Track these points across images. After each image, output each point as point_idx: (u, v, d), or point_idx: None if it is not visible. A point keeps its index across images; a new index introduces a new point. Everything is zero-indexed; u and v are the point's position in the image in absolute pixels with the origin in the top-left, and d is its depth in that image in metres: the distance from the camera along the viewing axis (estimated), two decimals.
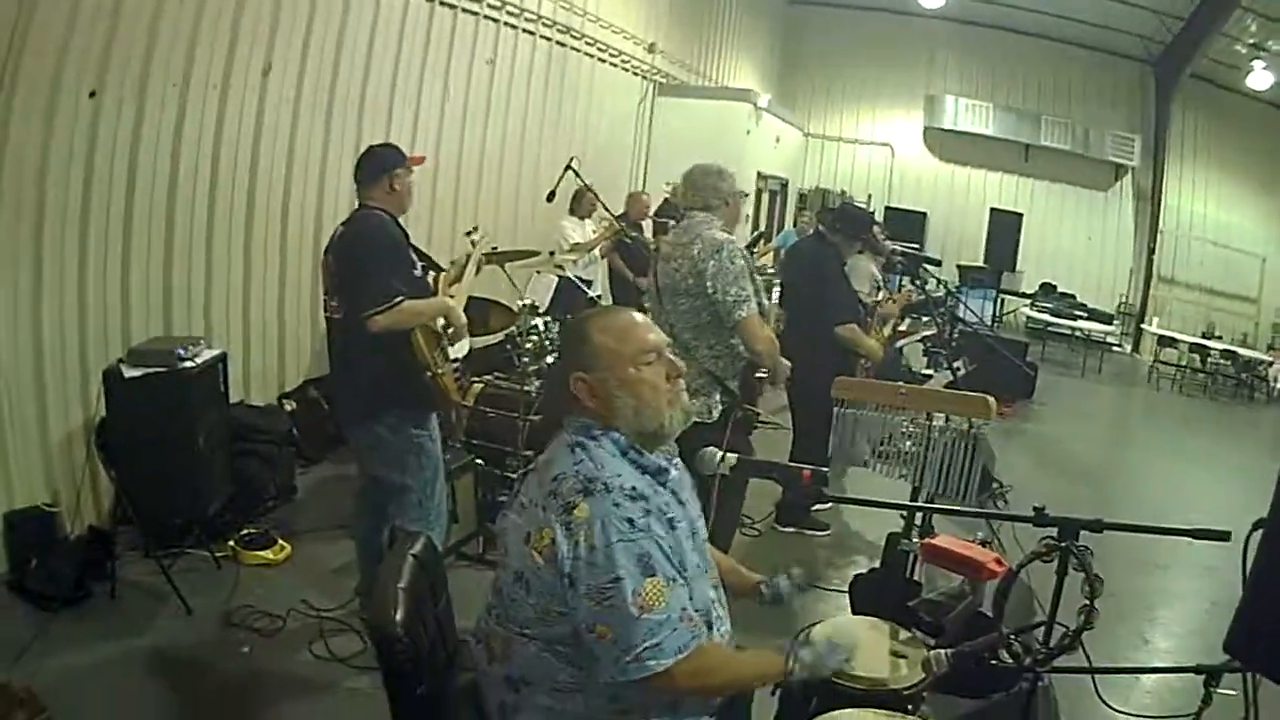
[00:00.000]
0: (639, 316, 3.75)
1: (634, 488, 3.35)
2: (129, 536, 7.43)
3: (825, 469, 3.89)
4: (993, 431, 11.85)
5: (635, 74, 18.36)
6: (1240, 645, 2.50)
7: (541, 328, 9.10)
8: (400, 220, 6.29)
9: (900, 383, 6.75)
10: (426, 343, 6.09)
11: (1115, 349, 23.85)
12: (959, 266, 23.32)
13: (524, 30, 14.25)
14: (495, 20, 13.43)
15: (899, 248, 10.74)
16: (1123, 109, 25.27)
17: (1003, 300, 23.02)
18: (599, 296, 13.25)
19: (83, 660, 6.14)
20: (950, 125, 25.48)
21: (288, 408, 9.99)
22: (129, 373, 6.95)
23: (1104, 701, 5.10)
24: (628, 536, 3.24)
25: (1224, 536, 3.38)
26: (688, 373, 6.33)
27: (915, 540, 5.89)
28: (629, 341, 3.57)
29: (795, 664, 3.48)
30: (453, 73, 12.56)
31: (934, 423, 6.14)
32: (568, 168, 11.54)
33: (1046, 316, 21.49)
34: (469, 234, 7.48)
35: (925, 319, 12.59)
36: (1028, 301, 22.51)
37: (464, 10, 12.57)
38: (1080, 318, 21.36)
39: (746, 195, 7.30)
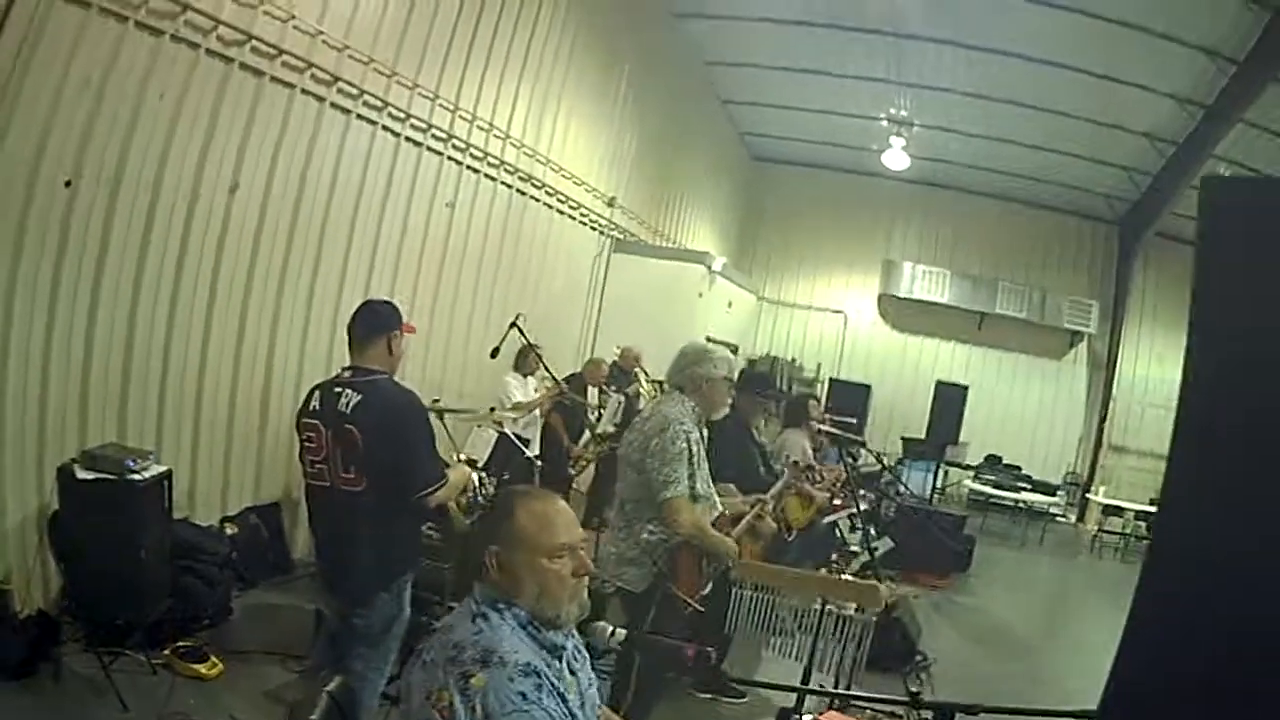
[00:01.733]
0: (562, 508, 3.90)
1: (528, 663, 3.53)
2: (74, 628, 7.58)
3: (710, 649, 4.07)
4: (922, 604, 12.08)
5: (593, 228, 18.56)
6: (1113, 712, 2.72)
7: (477, 482, 9.06)
8: None
9: (796, 570, 6.91)
10: (459, 509, 6.41)
11: (1060, 519, 23.87)
12: (903, 439, 23.47)
13: (486, 175, 14.50)
14: (459, 162, 13.71)
15: (824, 426, 10.95)
16: (1083, 272, 25.74)
17: (945, 473, 22.94)
18: (537, 456, 13.20)
19: None
20: (906, 293, 25.77)
21: (229, 531, 10.07)
22: (81, 474, 7.18)
23: None
24: (520, 708, 3.42)
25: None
26: (626, 542, 6.74)
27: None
28: (548, 532, 3.75)
29: None
30: (413, 211, 12.72)
31: (827, 608, 6.35)
32: (513, 324, 11.71)
33: (989, 489, 21.64)
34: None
35: (861, 494, 12.76)
36: (971, 474, 22.76)
37: (429, 149, 12.78)
38: (1024, 489, 21.50)
39: (729, 381, 7.44)
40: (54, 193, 7.55)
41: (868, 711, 7.16)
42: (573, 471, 14.56)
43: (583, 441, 14.57)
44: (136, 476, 7.43)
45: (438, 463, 6.03)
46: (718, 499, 7.29)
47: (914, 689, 4.35)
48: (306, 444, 6.25)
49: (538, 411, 13.64)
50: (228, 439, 10.32)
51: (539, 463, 12.27)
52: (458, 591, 8.36)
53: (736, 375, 7.81)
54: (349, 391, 6.10)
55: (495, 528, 3.80)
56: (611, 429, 13.71)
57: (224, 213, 9.51)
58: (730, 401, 7.98)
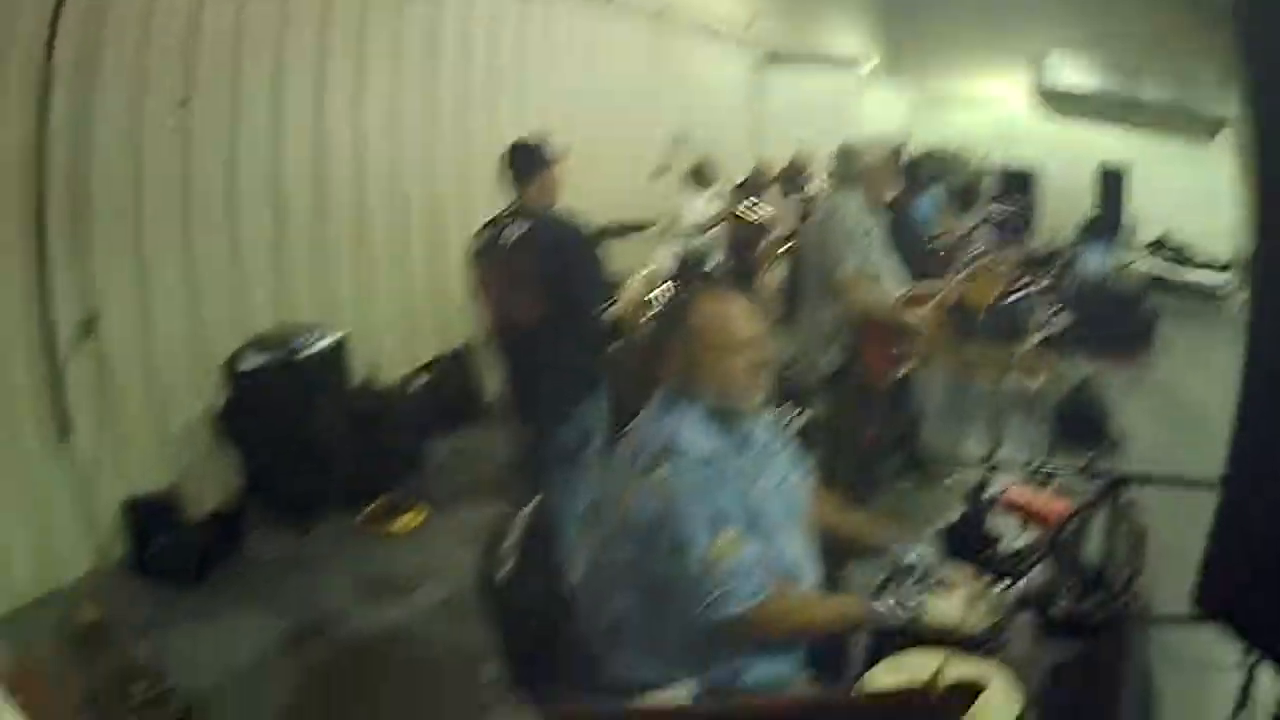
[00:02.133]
0: (741, 303, 3.83)
1: (709, 455, 3.53)
2: (255, 515, 7.63)
3: (888, 431, 4.01)
4: (1112, 381, 11.81)
5: (740, 45, 18.32)
6: (1208, 597, 2.55)
7: (660, 298, 9.13)
8: None
9: (966, 345, 6.78)
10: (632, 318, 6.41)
11: (1229, 298, 23.16)
12: (1076, 224, 22.70)
13: (619, 9, 14.23)
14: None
15: (994, 209, 10.70)
16: (1220, 60, 24.40)
17: (1119, 254, 22.23)
18: (718, 265, 13.32)
19: (206, 634, 6.32)
20: (1058, 82, 25.10)
21: (417, 383, 10.13)
22: (247, 363, 7.15)
23: (1153, 651, 5.21)
24: (699, 497, 3.44)
25: None
26: (816, 328, 6.87)
27: (993, 491, 5.99)
28: (727, 327, 3.70)
29: (874, 609, 3.61)
30: (552, 58, 12.66)
31: (1004, 381, 6.21)
32: (672, 143, 11.61)
33: (1161, 269, 21.08)
34: None
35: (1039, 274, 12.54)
36: (1143, 255, 22.04)
37: None
38: (1194, 268, 20.95)
39: (890, 170, 7.42)
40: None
41: (1055, 481, 7.07)
42: (760, 273, 14.30)
43: (765, 243, 14.26)
44: (307, 351, 7.42)
45: (607, 282, 6.17)
46: (896, 281, 7.29)
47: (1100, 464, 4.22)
48: (481, 282, 6.39)
49: (718, 222, 13.49)
50: (406, 295, 10.37)
51: (724, 269, 12.57)
52: (640, 399, 8.49)
53: (899, 164, 7.66)
54: (513, 226, 6.19)
55: (676, 326, 3.79)
56: (788, 230, 13.55)
57: (356, 78, 9.41)
58: (895, 189, 7.99)
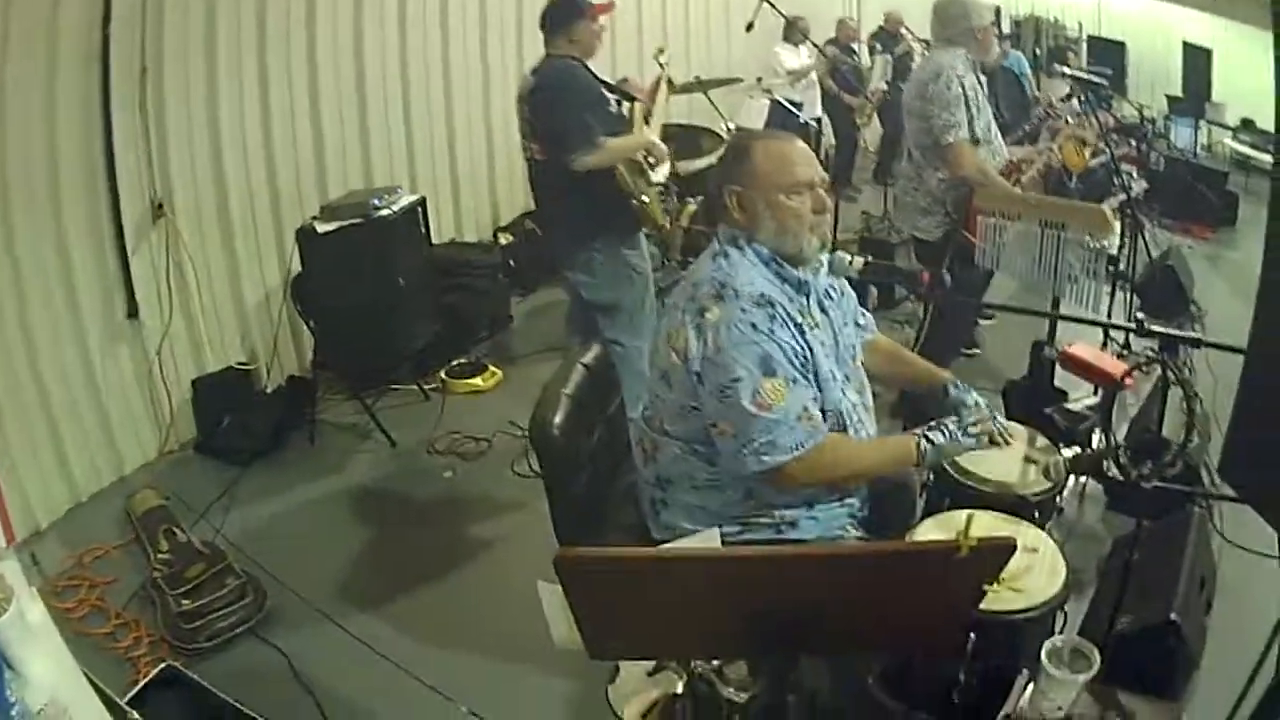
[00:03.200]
0: (800, 147, 3.76)
1: (763, 294, 3.48)
2: (331, 383, 7.65)
3: (945, 272, 3.91)
4: (1194, 254, 11.65)
5: None
6: (1231, 469, 2.45)
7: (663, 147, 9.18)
8: (588, 63, 6.36)
9: (1033, 195, 6.61)
10: (630, 173, 6.27)
11: None
12: (1166, 96, 22.09)
13: None
14: None
15: (1074, 71, 10.45)
16: None
17: (1209, 131, 22.03)
18: (818, 119, 13.33)
19: (276, 508, 6.39)
20: None
21: (502, 241, 10.16)
22: (323, 228, 7.02)
23: (1218, 529, 5.09)
24: (750, 339, 3.39)
25: None
26: (918, 191, 6.88)
27: (1054, 349, 5.87)
28: (784, 170, 3.63)
29: (926, 447, 3.58)
30: None
31: (1066, 234, 6.06)
32: None
33: (1247, 149, 19.99)
34: (657, 56, 7.50)
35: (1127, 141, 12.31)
36: (1230, 134, 21.70)
37: None
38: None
39: (995, 27, 7.22)
40: None
41: (1117, 346, 6.95)
42: (860, 122, 14.24)
43: (858, 101, 14.05)
44: (385, 212, 7.27)
45: (592, 129, 6.00)
46: (1002, 145, 7.19)
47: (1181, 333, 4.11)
48: (520, 128, 6.52)
49: (813, 77, 13.41)
50: (489, 156, 10.36)
51: (817, 124, 12.59)
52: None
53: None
54: (530, 76, 6.35)
55: (735, 167, 3.73)
56: (883, 86, 13.56)
57: None
58: (998, 51, 7.94)
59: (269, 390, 7.58)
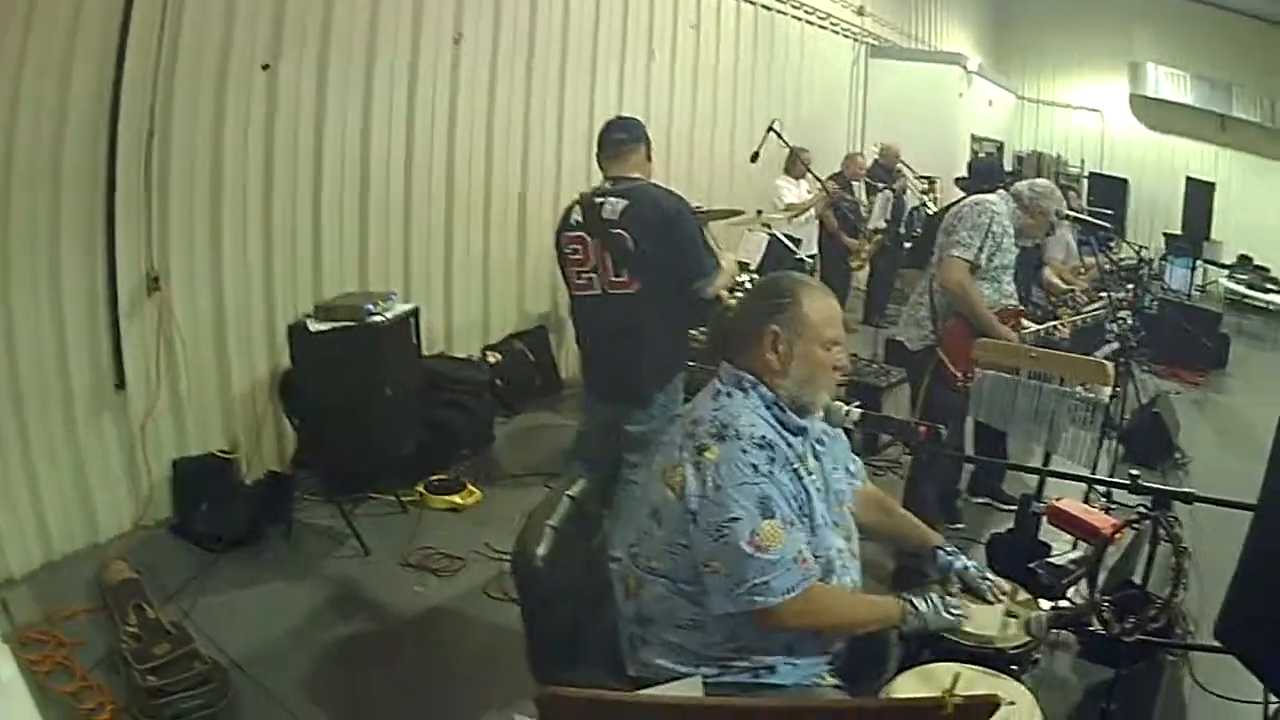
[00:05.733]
0: (837, 303, 3.87)
1: (764, 437, 3.48)
2: (310, 483, 7.65)
3: (941, 425, 3.95)
4: (1182, 400, 11.70)
5: (846, 36, 18.18)
6: (1230, 632, 2.48)
7: (749, 285, 9.18)
8: None
9: (1033, 348, 6.67)
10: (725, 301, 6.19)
11: None
12: (1165, 235, 22.58)
13: None
14: None
15: (1075, 214, 10.56)
16: None
17: (1204, 270, 22.05)
18: (813, 256, 13.39)
19: (246, 598, 6.36)
20: (1152, 92, 24.61)
21: (491, 359, 10.13)
22: (315, 326, 7.05)
23: (1194, 678, 5.13)
24: (751, 480, 3.39)
25: None
26: (920, 302, 7.13)
27: (1044, 502, 5.91)
28: (830, 325, 3.72)
29: (911, 613, 3.61)
30: (656, 37, 12.51)
31: (1063, 387, 6.11)
32: (770, 129, 11.54)
33: (1243, 288, 20.31)
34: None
35: (1123, 284, 12.37)
36: (1225, 273, 21.69)
37: None
38: (1272, 291, 20.00)
39: (1052, 222, 7.42)
40: (252, 69, 7.47)
41: (1105, 501, 6.98)
42: (854, 265, 14.58)
43: (856, 244, 14.35)
44: (378, 318, 7.30)
45: (709, 255, 6.02)
46: (1009, 291, 7.30)
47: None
48: (572, 256, 6.24)
49: (811, 212, 13.49)
50: (484, 272, 10.36)
51: (812, 261, 12.67)
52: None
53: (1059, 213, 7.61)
54: (612, 199, 6.05)
55: (777, 308, 3.72)
56: (883, 224, 13.69)
57: (451, 57, 9.39)
58: (1038, 239, 7.94)
59: (248, 482, 7.57)
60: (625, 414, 6.28)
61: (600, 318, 6.34)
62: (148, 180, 6.81)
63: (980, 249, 6.91)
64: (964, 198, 7.58)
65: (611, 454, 6.31)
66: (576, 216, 6.19)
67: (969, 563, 3.98)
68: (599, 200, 6.10)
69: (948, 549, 4.08)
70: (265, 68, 7.51)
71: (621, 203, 6.01)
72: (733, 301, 6.16)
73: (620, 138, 6.25)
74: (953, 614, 3.66)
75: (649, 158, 6.26)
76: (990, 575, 3.93)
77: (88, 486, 6.76)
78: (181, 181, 7.04)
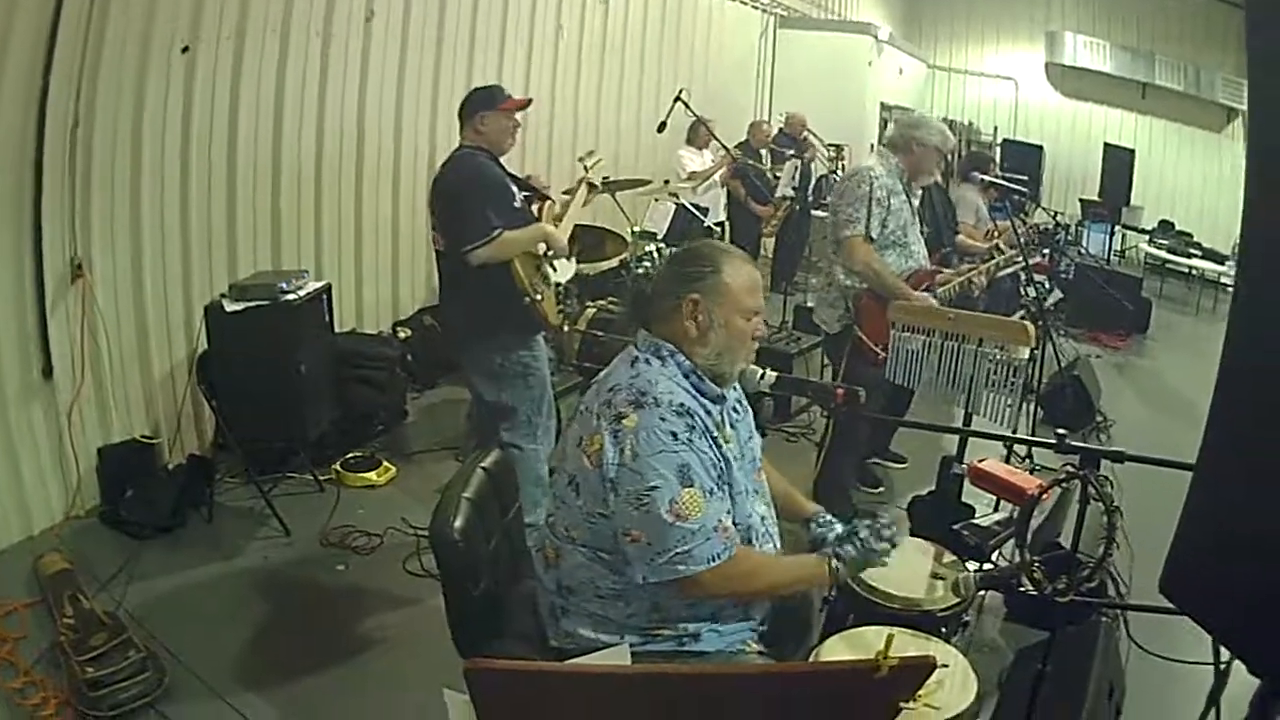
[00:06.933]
0: (758, 274, 3.90)
1: (682, 404, 3.50)
2: (230, 464, 7.64)
3: (859, 388, 3.96)
4: (1103, 364, 11.94)
5: (755, 7, 18.16)
6: (1173, 584, 2.47)
7: (656, 254, 9.37)
8: (500, 159, 6.46)
9: (951, 310, 6.69)
10: (525, 270, 6.29)
11: (1229, 288, 22.60)
12: (1080, 200, 22.54)
13: None
14: None
15: (991, 178, 10.60)
16: (1233, 52, 23.68)
17: (1124, 236, 22.24)
18: (720, 224, 13.46)
19: (174, 583, 6.36)
20: (1070, 61, 24.61)
21: (401, 334, 10.16)
22: (230, 306, 7.04)
23: (1130, 637, 5.15)
24: (670, 448, 3.41)
25: None
26: (825, 285, 7.12)
27: (964, 465, 5.92)
28: (750, 295, 3.75)
29: (836, 563, 3.63)
30: (565, 10, 12.58)
31: (982, 349, 6.13)
32: (677, 99, 11.54)
33: (1163, 254, 20.53)
34: (582, 159, 7.70)
35: (1040, 250, 12.40)
36: (1146, 238, 21.84)
37: None
38: (1195, 256, 20.16)
39: (940, 152, 7.38)
40: (172, 52, 7.43)
41: (1027, 461, 7.02)
42: (765, 231, 14.68)
43: (766, 211, 14.37)
44: (291, 296, 7.29)
45: (488, 220, 6.08)
46: (918, 251, 7.36)
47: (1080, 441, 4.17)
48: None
49: (716, 180, 13.52)
50: (394, 248, 10.40)
51: (719, 228, 12.74)
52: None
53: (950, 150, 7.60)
54: (440, 168, 6.47)
55: (697, 277, 3.74)
56: (790, 192, 13.59)
57: (363, 35, 9.39)
58: (938, 174, 8.10)
59: (171, 466, 7.56)
60: (471, 374, 6.67)
61: (439, 275, 6.88)
62: (72, 168, 6.80)
63: (868, 219, 6.95)
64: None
65: (485, 419, 6.63)
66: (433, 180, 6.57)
67: (840, 530, 3.97)
68: (439, 168, 6.53)
69: (821, 519, 4.11)
70: (185, 50, 7.48)
71: (440, 170, 6.47)
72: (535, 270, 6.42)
73: (469, 104, 6.49)
74: (884, 537, 3.70)
75: (478, 127, 6.38)
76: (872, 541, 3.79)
77: (20, 478, 6.76)
78: (103, 168, 7.02)
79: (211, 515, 7.17)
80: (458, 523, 3.68)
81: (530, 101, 6.74)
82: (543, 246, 6.58)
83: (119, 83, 7.01)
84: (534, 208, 6.75)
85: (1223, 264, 19.00)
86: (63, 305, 6.89)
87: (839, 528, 3.97)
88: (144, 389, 7.61)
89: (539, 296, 6.38)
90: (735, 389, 3.95)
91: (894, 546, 3.72)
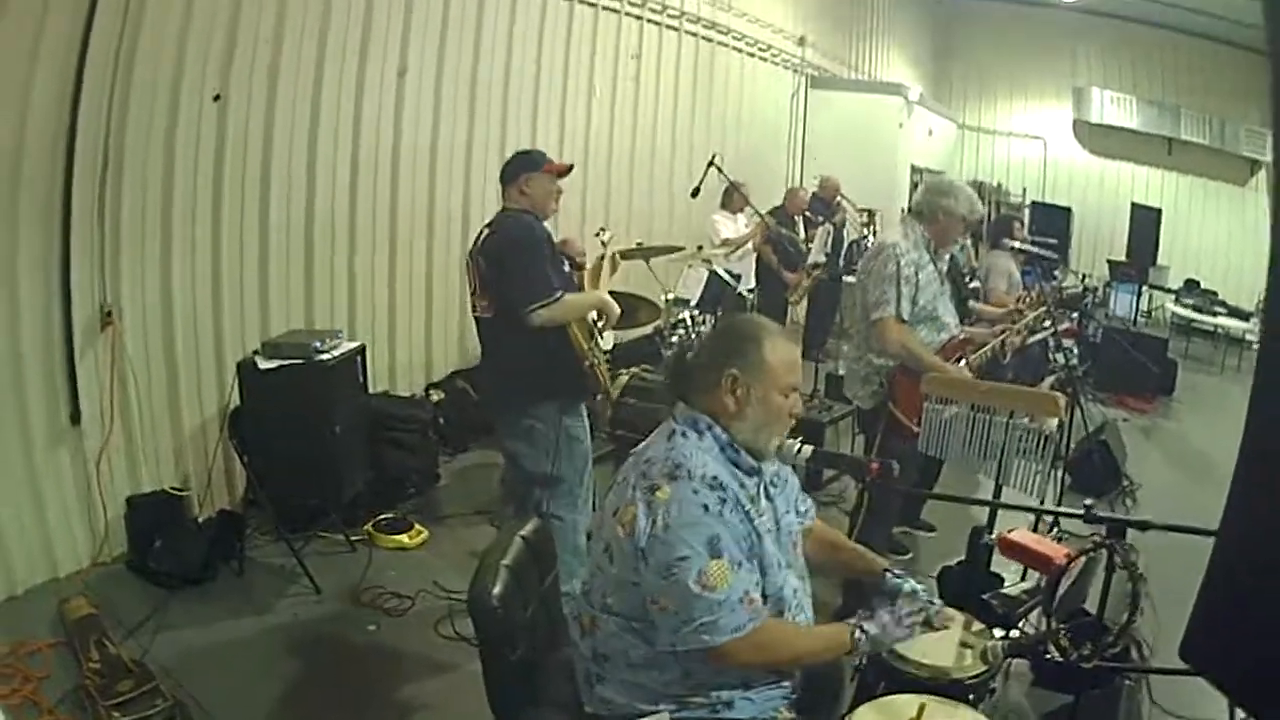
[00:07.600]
0: (798, 353, 3.92)
1: (715, 477, 3.52)
2: (261, 520, 7.64)
3: (893, 462, 3.99)
4: (1129, 427, 11.76)
5: (786, 67, 18.20)
6: (1194, 651, 2.51)
7: (689, 321, 9.34)
8: (545, 222, 6.42)
9: (984, 383, 6.70)
10: (581, 334, 6.27)
11: (1254, 345, 22.52)
12: (1108, 261, 22.44)
13: (668, 27, 14.19)
14: (638, 18, 13.42)
15: (1020, 244, 10.58)
16: (1255, 103, 23.92)
17: (1150, 296, 22.06)
18: (751, 290, 13.19)
19: (202, 635, 6.36)
20: (1097, 118, 24.64)
21: (434, 397, 10.16)
22: (264, 364, 7.09)
23: (1153, 700, 5.18)
24: (701, 520, 3.42)
25: None
26: (860, 362, 7.07)
27: (995, 533, 5.94)
28: (790, 372, 3.76)
29: (861, 637, 3.62)
30: (598, 71, 12.63)
31: (1013, 420, 6.15)
32: (710, 164, 11.55)
33: (1189, 313, 20.39)
34: (598, 234, 7.62)
35: (1066, 314, 12.37)
36: (1172, 298, 21.60)
37: (604, 8, 12.58)
38: (1221, 314, 20.02)
39: (965, 221, 7.28)
40: (204, 101, 7.49)
41: (1055, 530, 7.03)
42: (791, 300, 14.36)
43: (794, 279, 14.11)
44: (325, 356, 7.33)
45: (550, 282, 6.03)
46: (950, 322, 7.32)
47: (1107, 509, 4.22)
48: (469, 282, 6.48)
49: (750, 246, 13.43)
50: (427, 309, 10.40)
51: (752, 296, 12.36)
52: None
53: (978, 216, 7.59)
54: (485, 229, 6.37)
55: (738, 352, 3.74)
56: (822, 259, 13.38)
57: (396, 90, 9.46)
58: (960, 239, 8.09)
59: (200, 519, 7.58)
60: (512, 443, 6.51)
61: (480, 340, 6.65)
62: (101, 214, 6.87)
63: (898, 300, 6.92)
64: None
65: (523, 486, 6.52)
66: (472, 244, 6.45)
67: (918, 586, 4.01)
68: (481, 231, 6.44)
69: (895, 572, 4.13)
70: (216, 98, 7.54)
71: (487, 232, 6.34)
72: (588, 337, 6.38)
73: (510, 167, 6.42)
74: (906, 624, 3.71)
75: (524, 190, 6.33)
76: (937, 602, 3.91)
77: (46, 522, 6.80)
78: (133, 214, 7.09)
79: (241, 569, 7.20)
80: (496, 589, 3.71)
81: (572, 168, 6.68)
82: (594, 314, 6.55)
83: (149, 128, 7.09)
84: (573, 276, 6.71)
85: (1247, 320, 18.91)
86: (91, 351, 6.94)
87: (912, 582, 4.02)
88: (174, 441, 7.65)
89: (596, 360, 6.40)
90: (779, 467, 3.99)
91: (917, 634, 3.74)
